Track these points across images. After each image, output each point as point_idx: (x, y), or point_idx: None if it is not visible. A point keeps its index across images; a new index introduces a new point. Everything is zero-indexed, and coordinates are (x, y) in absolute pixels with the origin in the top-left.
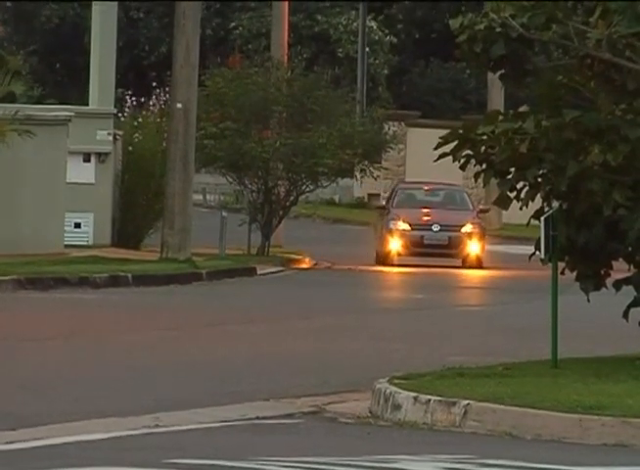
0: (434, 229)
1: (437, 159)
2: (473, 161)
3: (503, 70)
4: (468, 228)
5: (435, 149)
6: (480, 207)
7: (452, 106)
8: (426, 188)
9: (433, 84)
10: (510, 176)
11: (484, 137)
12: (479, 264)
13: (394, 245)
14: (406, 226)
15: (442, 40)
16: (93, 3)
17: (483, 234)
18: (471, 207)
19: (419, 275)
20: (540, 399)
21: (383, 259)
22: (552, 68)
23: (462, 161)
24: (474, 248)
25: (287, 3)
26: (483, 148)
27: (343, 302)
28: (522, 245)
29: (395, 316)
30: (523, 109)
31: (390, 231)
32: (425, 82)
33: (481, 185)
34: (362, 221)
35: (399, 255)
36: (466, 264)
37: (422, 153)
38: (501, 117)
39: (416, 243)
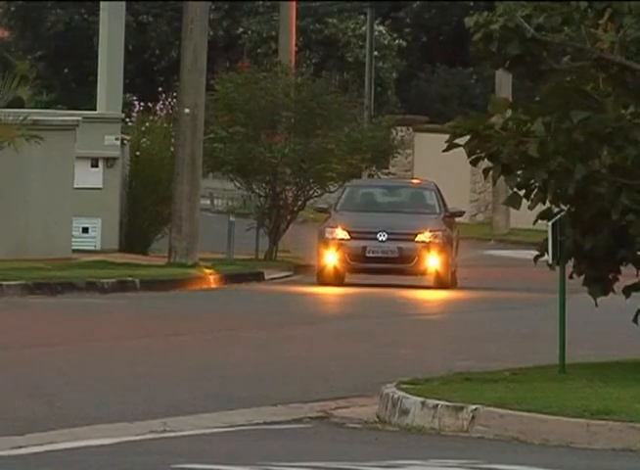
0: (380, 238)
1: (446, 149)
2: (483, 158)
3: (518, 71)
4: (425, 237)
5: (447, 141)
6: (451, 210)
7: (459, 111)
8: (383, 185)
9: (439, 89)
10: (518, 173)
11: (493, 132)
12: (442, 283)
13: (330, 259)
14: (345, 235)
15: (449, 45)
16: (101, 6)
17: (450, 244)
18: (438, 209)
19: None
20: (548, 403)
21: (318, 278)
22: (565, 69)
23: (473, 156)
24: (433, 262)
25: (294, 6)
26: (493, 143)
27: (349, 307)
28: (529, 250)
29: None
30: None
31: (325, 241)
32: (431, 87)
33: (490, 189)
34: None
35: (337, 271)
36: (434, 283)
37: (429, 158)
38: (510, 112)
39: (356, 256)
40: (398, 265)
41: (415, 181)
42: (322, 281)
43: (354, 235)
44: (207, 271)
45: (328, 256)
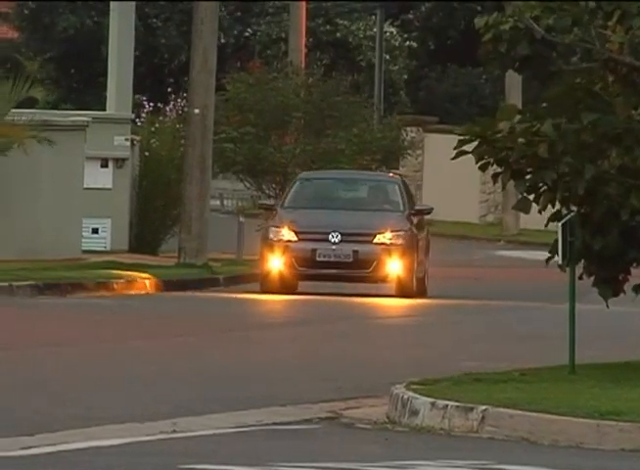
0: (333, 239)
1: (455, 157)
2: (491, 163)
3: (527, 72)
4: (385, 238)
5: (455, 148)
6: (418, 207)
7: (468, 111)
8: (339, 178)
9: (449, 90)
10: (527, 178)
11: (501, 136)
12: (405, 291)
13: (275, 264)
14: (291, 235)
15: (459, 46)
16: (111, 7)
17: (415, 246)
18: (402, 206)
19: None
20: (557, 404)
21: (261, 285)
22: (574, 70)
23: (481, 162)
24: (394, 267)
25: (304, 7)
26: (501, 148)
27: (358, 307)
28: (539, 251)
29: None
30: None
31: (269, 243)
32: (441, 88)
33: (499, 189)
34: None
35: (283, 278)
36: (396, 291)
37: (439, 158)
38: (519, 117)
39: (305, 260)
40: (354, 271)
41: (380, 174)
42: (266, 289)
43: (302, 236)
44: (217, 272)
45: (272, 260)
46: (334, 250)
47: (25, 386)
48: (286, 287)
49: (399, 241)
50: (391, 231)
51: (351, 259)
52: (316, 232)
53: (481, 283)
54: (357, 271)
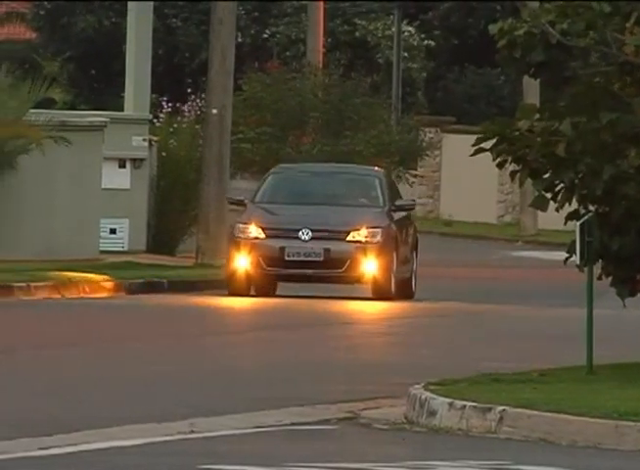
0: (303, 237)
1: (473, 154)
2: (509, 161)
3: (543, 77)
4: (360, 235)
5: (474, 146)
6: (399, 202)
7: (486, 112)
8: (315, 171)
9: (467, 90)
10: (545, 177)
11: (520, 134)
12: (381, 292)
13: (241, 263)
14: (259, 233)
15: (477, 46)
16: (129, 7)
17: (394, 244)
18: (381, 201)
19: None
20: (576, 404)
21: (228, 286)
22: (590, 74)
23: (499, 159)
24: (370, 267)
25: (322, 7)
26: (520, 146)
27: (371, 306)
28: (557, 251)
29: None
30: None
31: (236, 241)
32: (459, 88)
33: (517, 190)
34: None
35: (249, 278)
36: (373, 293)
37: (457, 159)
38: (537, 116)
39: (272, 259)
40: (325, 271)
41: (358, 167)
42: (232, 291)
43: (270, 233)
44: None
45: (239, 259)
46: (304, 248)
47: (44, 386)
48: (261, 288)
49: (376, 238)
50: (367, 228)
51: (322, 258)
52: (285, 229)
53: (498, 283)
54: (329, 271)
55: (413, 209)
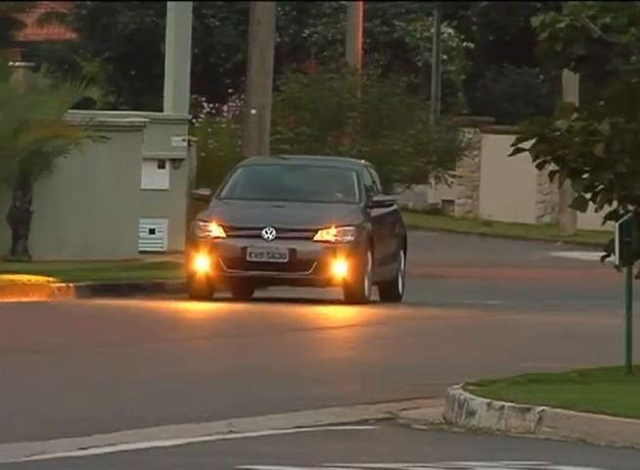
0: (266, 236)
1: (512, 154)
2: (548, 161)
3: (583, 71)
4: (329, 234)
5: (512, 146)
6: (378, 198)
7: (525, 111)
8: (287, 164)
9: (506, 89)
10: (584, 177)
11: (559, 134)
12: (352, 296)
13: (200, 264)
14: (220, 231)
15: (516, 45)
16: (168, 6)
17: (368, 244)
18: (357, 197)
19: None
20: (614, 405)
21: (188, 289)
22: (630, 70)
23: (539, 160)
24: (339, 268)
25: (361, 8)
26: (559, 146)
27: (408, 308)
28: (596, 251)
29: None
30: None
31: (195, 241)
32: (498, 88)
33: (557, 190)
34: (435, 227)
35: (210, 281)
36: (344, 297)
37: (496, 159)
38: (575, 115)
39: (233, 260)
40: (289, 273)
41: (335, 159)
42: (193, 294)
43: (232, 232)
44: None
45: (198, 260)
46: (267, 248)
47: (83, 386)
48: (213, 291)
49: (346, 238)
50: (337, 226)
51: (287, 260)
52: (247, 227)
53: (536, 283)
54: (294, 273)
55: (392, 205)
